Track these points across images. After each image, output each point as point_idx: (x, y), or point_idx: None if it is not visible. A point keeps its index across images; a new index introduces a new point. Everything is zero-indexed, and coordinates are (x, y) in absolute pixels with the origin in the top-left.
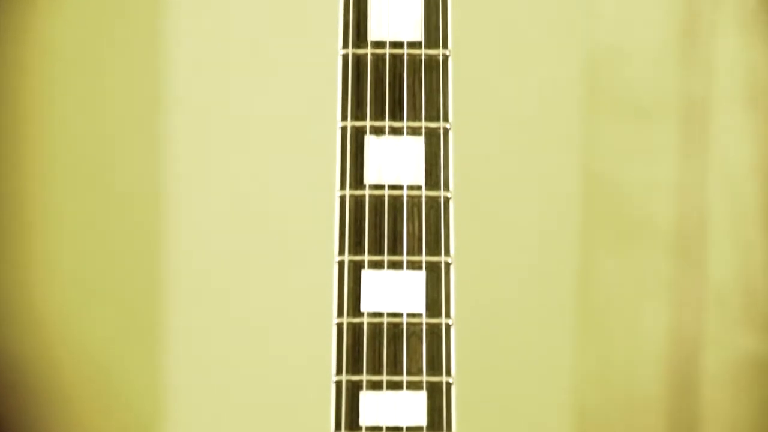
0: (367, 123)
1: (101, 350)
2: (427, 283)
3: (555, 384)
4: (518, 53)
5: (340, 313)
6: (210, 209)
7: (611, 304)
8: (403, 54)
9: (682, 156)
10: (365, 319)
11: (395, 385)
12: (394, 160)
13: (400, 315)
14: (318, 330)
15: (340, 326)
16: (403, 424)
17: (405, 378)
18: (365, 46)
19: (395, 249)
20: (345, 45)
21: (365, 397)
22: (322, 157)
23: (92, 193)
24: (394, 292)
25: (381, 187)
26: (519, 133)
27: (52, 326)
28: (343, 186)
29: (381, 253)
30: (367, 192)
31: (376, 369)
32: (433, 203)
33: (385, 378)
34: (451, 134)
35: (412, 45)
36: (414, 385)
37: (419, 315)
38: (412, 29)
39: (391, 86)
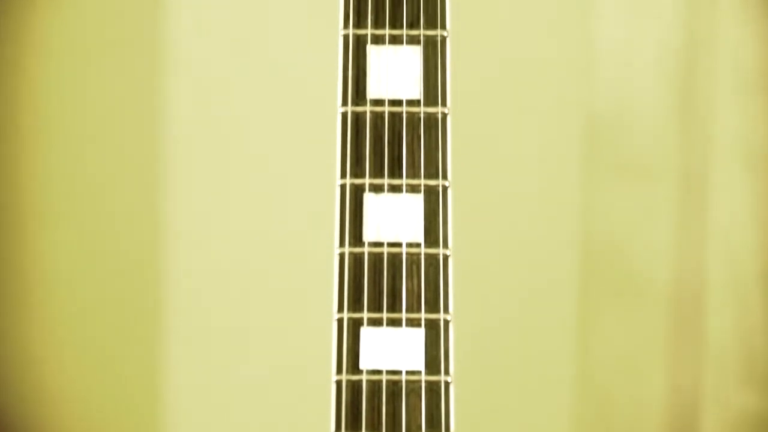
0: (366, 180)
1: (101, 349)
2: (426, 341)
3: None
4: (518, 112)
5: (339, 371)
6: (209, 225)
7: (610, 364)
8: (402, 112)
9: (681, 216)
10: (364, 377)
11: None
12: (393, 218)
13: (399, 372)
14: (318, 330)
15: (339, 383)
16: None
17: None
18: (364, 103)
19: (394, 306)
20: (344, 102)
21: None
22: (322, 214)
23: (92, 192)
24: (393, 349)
25: (380, 244)
26: (518, 192)
27: (52, 326)
28: (342, 243)
29: (380, 310)
30: (366, 249)
31: (375, 426)
32: (432, 260)
33: None
34: (450, 192)
35: (411, 103)
36: None
37: (418, 372)
38: (412, 87)
39: (390, 144)
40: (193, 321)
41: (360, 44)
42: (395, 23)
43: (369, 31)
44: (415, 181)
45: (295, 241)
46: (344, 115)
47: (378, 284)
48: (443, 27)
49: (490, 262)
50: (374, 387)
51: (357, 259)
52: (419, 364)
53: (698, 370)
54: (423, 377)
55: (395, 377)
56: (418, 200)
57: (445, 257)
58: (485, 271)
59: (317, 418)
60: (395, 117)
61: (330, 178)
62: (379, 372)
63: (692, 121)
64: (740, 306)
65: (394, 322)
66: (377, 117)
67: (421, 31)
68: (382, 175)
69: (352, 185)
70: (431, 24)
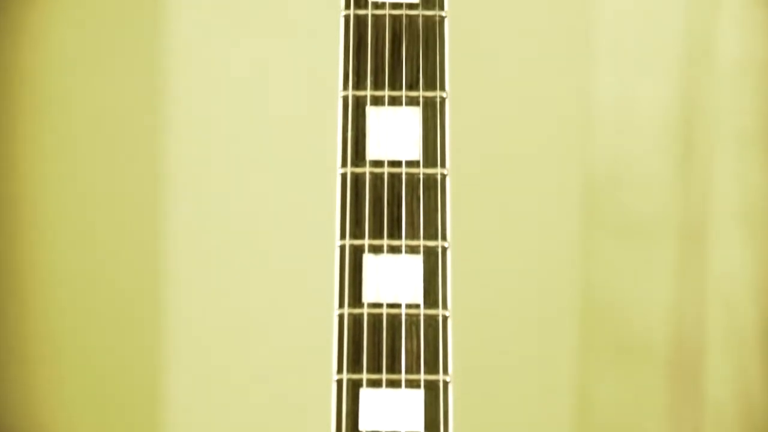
0: (366, 241)
1: (101, 350)
2: (425, 402)
3: None
4: (518, 172)
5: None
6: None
7: (609, 423)
8: (401, 173)
9: (679, 275)
10: None
11: None
12: (393, 279)
13: None
14: (318, 331)
15: None
16: None
17: None
18: (364, 164)
19: (393, 367)
20: (344, 163)
21: None
22: (321, 275)
23: (92, 192)
24: (392, 410)
25: (379, 305)
26: (517, 252)
27: (52, 326)
28: (341, 304)
29: (379, 371)
30: (365, 310)
31: None
32: (432, 321)
33: None
34: (449, 253)
35: (411, 164)
36: None
37: None
38: (411, 148)
39: (390, 205)
40: (192, 321)
41: (359, 105)
42: (395, 84)
43: (368, 93)
44: (414, 242)
45: (295, 303)
46: (344, 176)
47: (377, 345)
48: (442, 88)
49: (489, 323)
50: None
51: (356, 320)
52: (419, 426)
53: (697, 428)
54: None
55: None
56: (417, 261)
57: (445, 318)
58: (485, 333)
59: (317, 421)
60: (394, 178)
61: (329, 239)
62: None
63: (690, 180)
64: (739, 364)
65: (394, 384)
66: (377, 178)
67: (421, 93)
68: (381, 236)
69: (352, 246)
70: (430, 85)
